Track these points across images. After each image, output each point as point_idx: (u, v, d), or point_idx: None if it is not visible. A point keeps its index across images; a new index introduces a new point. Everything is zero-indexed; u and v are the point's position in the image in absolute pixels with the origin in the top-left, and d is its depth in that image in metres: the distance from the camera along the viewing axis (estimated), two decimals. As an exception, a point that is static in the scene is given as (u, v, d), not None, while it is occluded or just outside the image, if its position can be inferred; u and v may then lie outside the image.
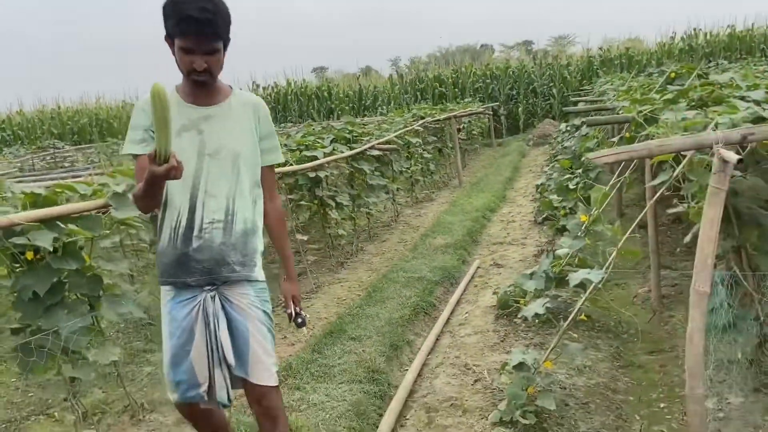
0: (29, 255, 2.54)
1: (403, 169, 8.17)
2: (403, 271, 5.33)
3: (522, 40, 43.69)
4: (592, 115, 6.28)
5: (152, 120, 1.75)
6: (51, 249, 2.54)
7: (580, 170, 5.83)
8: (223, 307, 2.03)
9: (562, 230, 5.49)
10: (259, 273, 2.10)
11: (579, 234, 3.91)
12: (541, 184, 7.22)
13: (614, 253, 2.85)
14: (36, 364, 2.60)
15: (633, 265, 4.92)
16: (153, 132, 1.83)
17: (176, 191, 1.97)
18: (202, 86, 1.98)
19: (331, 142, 6.31)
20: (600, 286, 2.81)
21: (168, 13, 1.86)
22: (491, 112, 16.70)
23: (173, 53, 1.93)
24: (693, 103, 3.36)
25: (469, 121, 13.59)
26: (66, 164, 10.10)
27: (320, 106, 21.81)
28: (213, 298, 2.02)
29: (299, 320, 2.28)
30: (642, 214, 2.93)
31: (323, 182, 5.74)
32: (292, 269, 2.32)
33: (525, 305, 4.13)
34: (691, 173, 2.62)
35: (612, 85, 10.81)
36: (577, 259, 3.99)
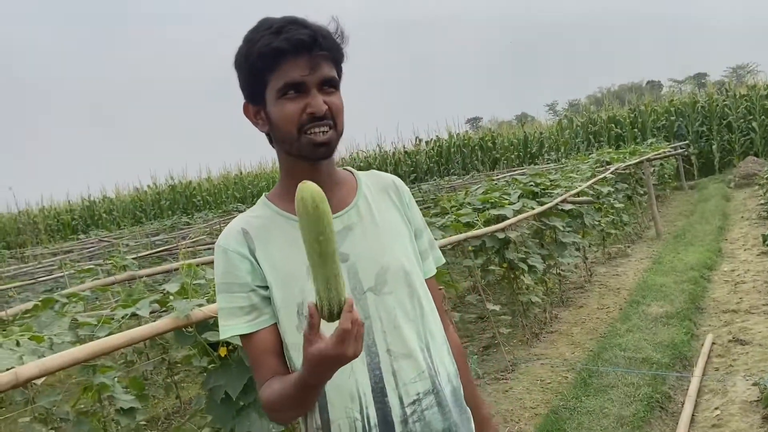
0: (222, 351, 2.24)
1: (595, 223, 7.27)
2: (619, 348, 4.46)
3: (694, 73, 40.05)
4: None
5: (304, 250, 0.99)
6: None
7: None
8: None
9: (832, 298, 4.30)
10: None
11: None
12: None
13: None
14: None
15: None
16: (265, 289, 1.18)
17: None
18: (321, 158, 1.18)
19: (519, 197, 5.71)
20: None
21: (245, 54, 1.14)
22: (685, 152, 14.95)
23: (263, 123, 1.20)
24: None
25: (661, 164, 12.19)
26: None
27: (484, 157, 21.35)
28: None
29: None
30: None
31: (512, 243, 5.14)
32: None
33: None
34: None
35: None
36: None
